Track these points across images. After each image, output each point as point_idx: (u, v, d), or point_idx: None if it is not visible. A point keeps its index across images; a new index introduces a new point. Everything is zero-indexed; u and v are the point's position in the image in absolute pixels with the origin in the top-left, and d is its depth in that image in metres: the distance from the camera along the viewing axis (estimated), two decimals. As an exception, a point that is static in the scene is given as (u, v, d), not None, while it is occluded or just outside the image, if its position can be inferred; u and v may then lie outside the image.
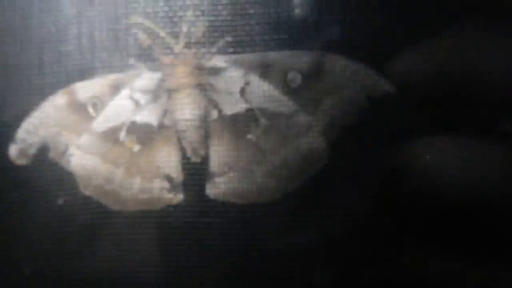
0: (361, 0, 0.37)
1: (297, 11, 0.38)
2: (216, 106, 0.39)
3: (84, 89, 0.40)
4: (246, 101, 0.38)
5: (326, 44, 0.38)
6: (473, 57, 0.37)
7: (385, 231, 0.38)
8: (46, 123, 0.40)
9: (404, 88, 0.37)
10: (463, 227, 0.37)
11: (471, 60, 0.37)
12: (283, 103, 0.38)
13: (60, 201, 0.40)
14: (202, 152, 0.39)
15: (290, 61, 0.38)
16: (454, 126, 0.37)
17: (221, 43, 0.38)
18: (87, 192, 0.40)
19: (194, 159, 0.39)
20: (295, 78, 0.38)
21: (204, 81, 0.38)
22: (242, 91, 0.38)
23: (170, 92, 0.39)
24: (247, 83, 0.38)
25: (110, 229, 0.41)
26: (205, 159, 0.39)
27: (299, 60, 0.37)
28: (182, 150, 0.39)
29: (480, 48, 0.37)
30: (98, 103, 0.40)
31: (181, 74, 0.38)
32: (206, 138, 0.39)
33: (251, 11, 0.38)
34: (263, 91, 0.38)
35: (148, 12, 0.39)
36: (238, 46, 0.38)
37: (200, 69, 0.38)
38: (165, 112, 0.39)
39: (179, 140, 0.39)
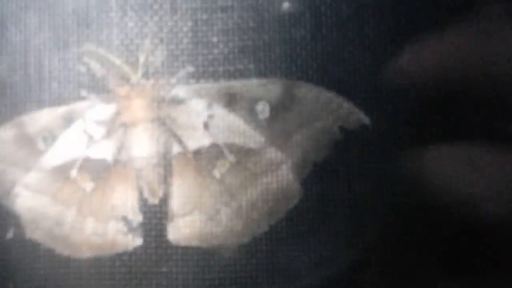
0: (331, 22, 0.36)
1: (264, 37, 0.36)
2: (177, 141, 0.36)
3: (34, 121, 0.37)
4: (211, 135, 0.36)
5: (296, 72, 0.36)
6: (478, 55, 0.34)
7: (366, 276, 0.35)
8: None
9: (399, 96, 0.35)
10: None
11: (476, 59, 0.34)
12: (251, 137, 0.36)
13: (9, 235, 0.37)
14: (160, 192, 0.36)
15: (257, 91, 0.36)
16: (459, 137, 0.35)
17: (181, 73, 0.36)
18: (34, 237, 0.37)
19: (151, 200, 0.36)
20: (264, 109, 0.36)
21: (164, 115, 0.36)
22: (206, 125, 0.36)
23: (126, 126, 0.36)
24: (211, 116, 0.36)
25: (58, 278, 0.37)
26: (165, 199, 0.37)
27: (267, 89, 0.36)
28: (139, 189, 0.36)
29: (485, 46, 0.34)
30: (49, 137, 0.37)
31: (138, 107, 0.36)
32: (165, 176, 0.36)
33: (214, 39, 0.36)
34: (229, 124, 0.36)
35: (101, 40, 0.36)
36: (200, 76, 0.36)
37: (159, 102, 0.36)
38: (121, 148, 0.37)
39: (136, 178, 0.36)
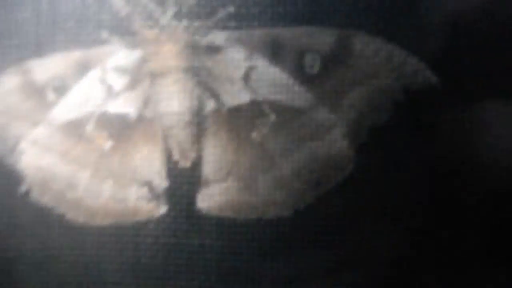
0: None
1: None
2: (212, 96, 0.33)
3: (43, 68, 0.34)
4: (251, 90, 0.32)
5: (354, 20, 0.32)
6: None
7: (421, 262, 0.31)
8: None
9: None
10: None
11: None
12: (298, 95, 0.32)
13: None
14: (193, 154, 0.33)
15: (307, 40, 0.32)
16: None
17: (220, 14, 0.32)
18: (43, 200, 0.34)
19: (183, 163, 0.33)
20: (314, 62, 0.32)
21: (198, 64, 0.32)
22: (246, 78, 0.32)
23: (153, 76, 0.33)
24: (252, 68, 0.32)
25: (71, 247, 0.34)
26: (197, 163, 0.33)
27: (319, 39, 0.32)
28: (168, 150, 0.33)
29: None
30: (60, 87, 0.34)
31: (169, 54, 0.32)
32: (199, 137, 0.33)
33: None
34: (272, 78, 0.32)
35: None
36: (242, 19, 0.32)
37: (193, 48, 0.32)
38: (147, 102, 0.33)
39: (164, 138, 0.33)
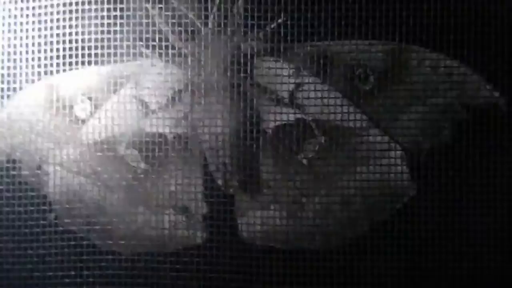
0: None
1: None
2: (256, 114, 0.30)
3: (72, 82, 0.32)
4: (298, 108, 0.30)
5: (407, 34, 0.30)
6: None
7: None
8: (15, 126, 0.32)
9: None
10: None
11: None
12: (349, 114, 0.30)
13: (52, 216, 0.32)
14: (236, 178, 0.31)
15: (358, 56, 0.30)
16: None
17: (267, 28, 0.30)
18: (70, 225, 0.32)
19: (227, 189, 0.31)
20: (366, 78, 0.30)
21: (241, 80, 0.30)
22: (292, 95, 0.31)
23: (192, 93, 0.30)
24: (299, 84, 0.31)
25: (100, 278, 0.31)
26: (239, 188, 0.31)
27: (371, 54, 0.30)
28: (208, 173, 0.31)
29: None
30: (90, 104, 0.32)
31: (209, 68, 0.30)
32: (243, 160, 0.31)
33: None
34: (321, 95, 0.30)
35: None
36: (289, 33, 0.30)
37: (236, 64, 0.30)
38: (186, 120, 0.31)
39: (204, 159, 0.31)
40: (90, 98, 0.32)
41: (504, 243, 0.29)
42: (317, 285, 0.29)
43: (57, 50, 0.31)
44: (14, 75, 0.32)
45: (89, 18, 0.31)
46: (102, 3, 0.31)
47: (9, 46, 0.32)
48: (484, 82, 0.29)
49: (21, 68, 0.32)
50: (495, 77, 0.29)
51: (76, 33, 0.31)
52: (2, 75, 0.32)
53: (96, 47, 0.31)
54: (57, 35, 0.31)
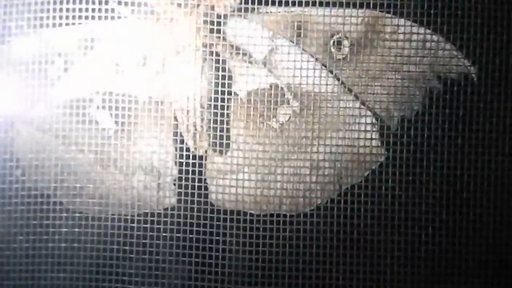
0: None
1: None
2: (229, 77, 0.30)
3: (44, 42, 0.31)
4: (271, 73, 0.30)
5: (384, 1, 0.30)
6: None
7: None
8: None
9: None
10: None
11: None
12: (323, 80, 0.30)
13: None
14: (207, 141, 0.30)
15: (335, 22, 0.30)
16: None
17: None
18: (38, 183, 0.32)
19: (197, 150, 0.30)
20: (341, 45, 0.30)
21: (216, 41, 0.30)
22: (267, 60, 0.30)
23: (165, 53, 0.30)
24: (274, 49, 0.30)
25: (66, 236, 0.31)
26: (211, 152, 0.31)
27: (347, 21, 0.30)
28: (179, 135, 0.31)
29: None
30: (62, 63, 0.31)
31: (183, 29, 0.29)
32: (214, 122, 0.30)
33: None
34: (295, 61, 0.30)
35: None
36: None
37: (211, 25, 0.30)
38: (157, 82, 0.30)
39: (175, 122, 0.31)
40: (62, 58, 0.31)
41: (469, 211, 0.29)
42: (285, 248, 0.29)
43: (29, 11, 0.30)
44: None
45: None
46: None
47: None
48: (456, 51, 0.29)
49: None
50: (468, 46, 0.29)
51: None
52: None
53: (67, 9, 0.30)
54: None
